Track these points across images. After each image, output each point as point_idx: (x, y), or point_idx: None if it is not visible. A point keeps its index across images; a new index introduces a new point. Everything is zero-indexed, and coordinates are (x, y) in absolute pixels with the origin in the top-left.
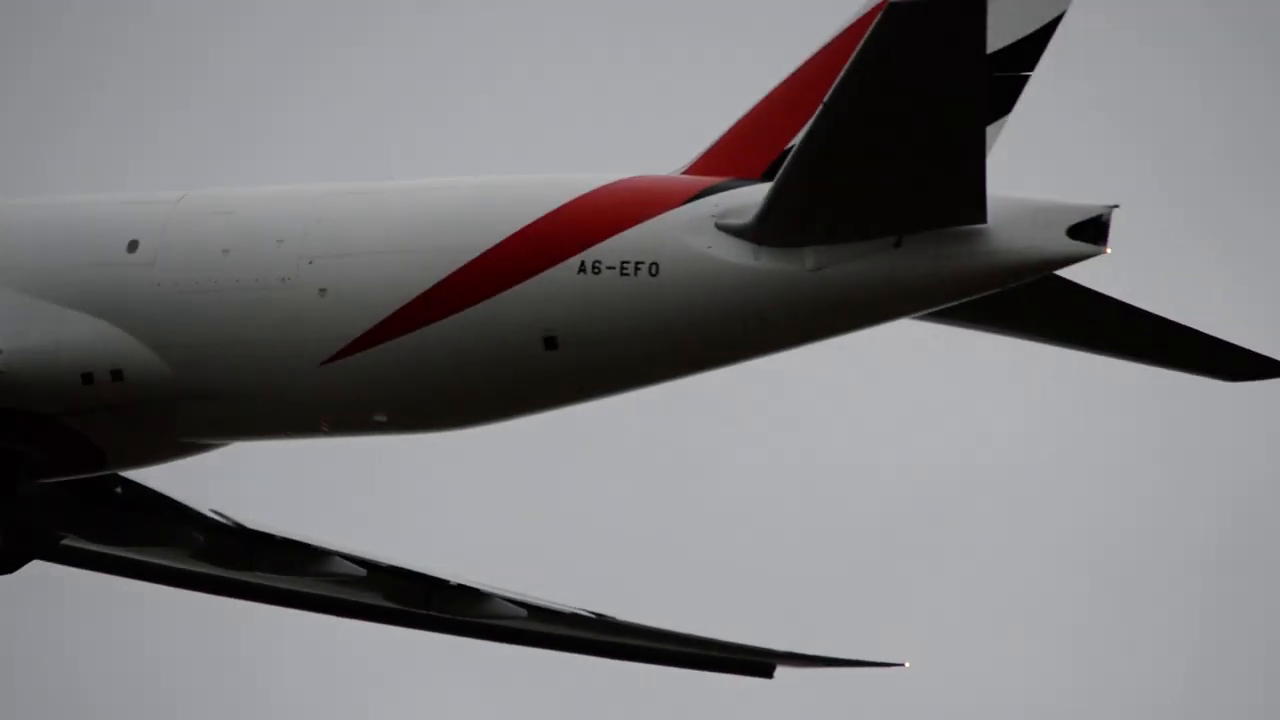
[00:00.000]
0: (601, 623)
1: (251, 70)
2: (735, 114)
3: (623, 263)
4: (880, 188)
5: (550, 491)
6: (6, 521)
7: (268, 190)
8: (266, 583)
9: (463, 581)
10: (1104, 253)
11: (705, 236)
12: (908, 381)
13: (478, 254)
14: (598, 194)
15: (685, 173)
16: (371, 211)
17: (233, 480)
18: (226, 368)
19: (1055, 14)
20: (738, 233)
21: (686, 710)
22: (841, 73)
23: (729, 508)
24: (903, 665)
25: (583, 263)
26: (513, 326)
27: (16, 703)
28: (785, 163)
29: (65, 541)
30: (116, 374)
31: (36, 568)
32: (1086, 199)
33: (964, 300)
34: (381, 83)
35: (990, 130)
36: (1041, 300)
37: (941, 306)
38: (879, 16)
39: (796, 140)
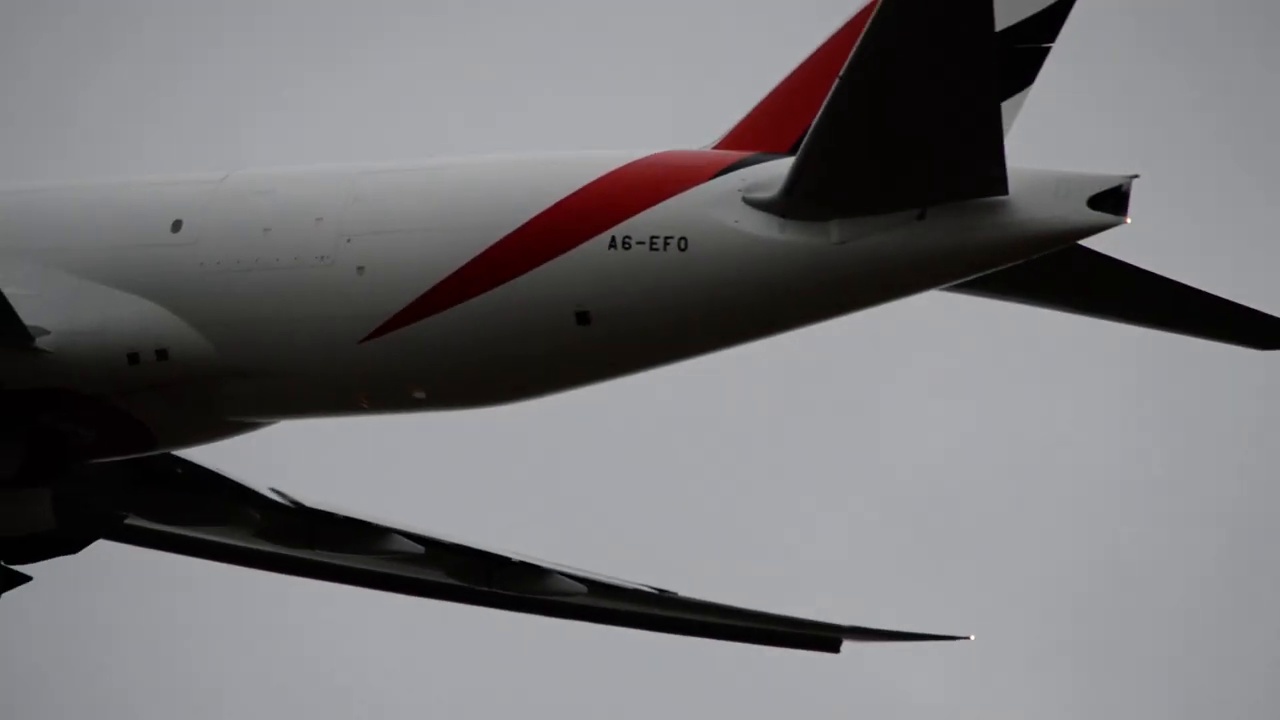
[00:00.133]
0: (664, 599)
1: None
2: (765, 88)
3: (652, 237)
4: (898, 160)
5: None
6: (62, 502)
7: (307, 169)
8: (327, 560)
9: (524, 558)
10: (1124, 222)
11: (733, 211)
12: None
13: (511, 230)
14: (627, 170)
15: (714, 148)
16: (407, 189)
17: (280, 458)
18: (268, 346)
19: None
20: (764, 207)
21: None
22: (855, 45)
23: (789, 483)
24: (968, 638)
25: (613, 238)
26: (545, 302)
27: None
28: (805, 136)
29: (128, 521)
30: (162, 353)
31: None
32: (1106, 169)
33: (988, 272)
34: (406, 60)
35: (1013, 102)
36: (1068, 270)
37: (966, 278)
38: None
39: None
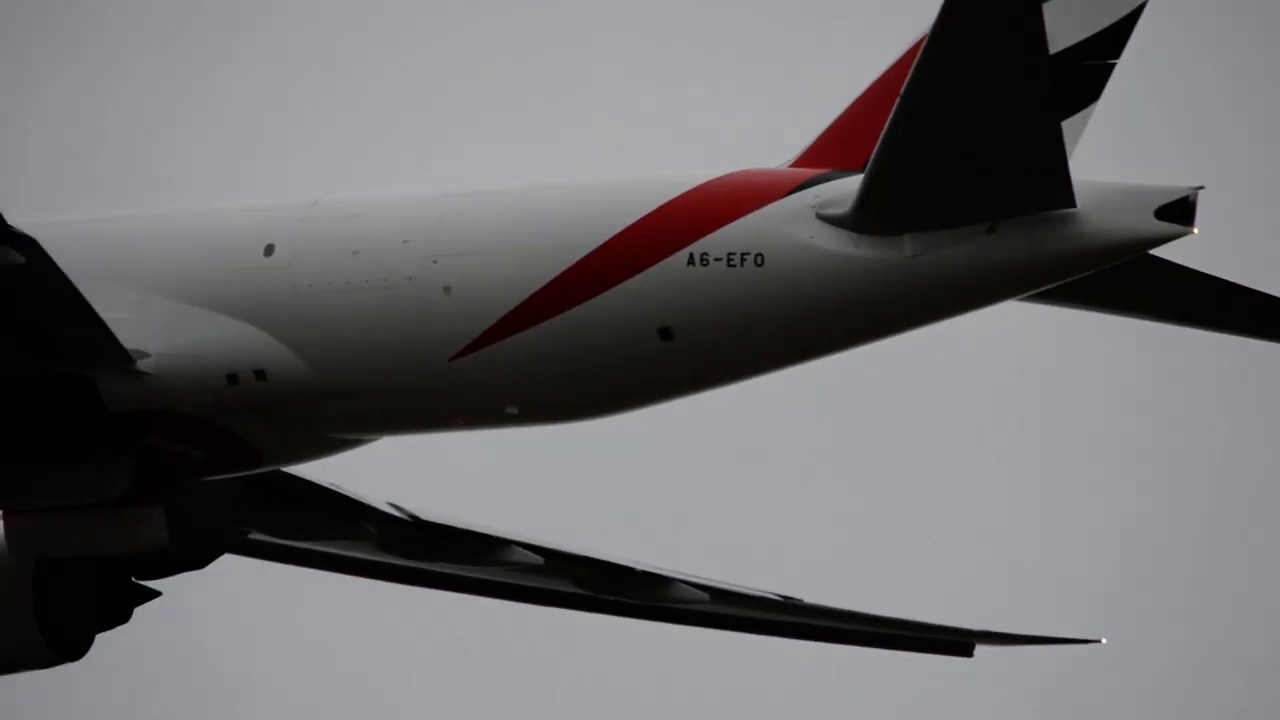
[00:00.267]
0: (789, 605)
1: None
2: (841, 104)
3: (729, 254)
4: (960, 175)
5: (728, 475)
6: (184, 519)
7: (395, 193)
8: (449, 571)
9: (646, 567)
10: (1191, 232)
11: (807, 227)
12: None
13: (592, 249)
14: (704, 188)
15: (792, 165)
16: (491, 211)
17: (383, 472)
18: (361, 365)
19: (1139, 2)
20: (838, 222)
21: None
22: (913, 65)
23: (907, 491)
24: (1099, 642)
25: (691, 255)
26: (628, 318)
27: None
28: (873, 152)
29: (251, 536)
30: (260, 374)
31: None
32: (1172, 181)
33: (1059, 283)
34: (490, 75)
35: (1079, 117)
36: (1138, 278)
37: (1037, 290)
38: (942, 4)
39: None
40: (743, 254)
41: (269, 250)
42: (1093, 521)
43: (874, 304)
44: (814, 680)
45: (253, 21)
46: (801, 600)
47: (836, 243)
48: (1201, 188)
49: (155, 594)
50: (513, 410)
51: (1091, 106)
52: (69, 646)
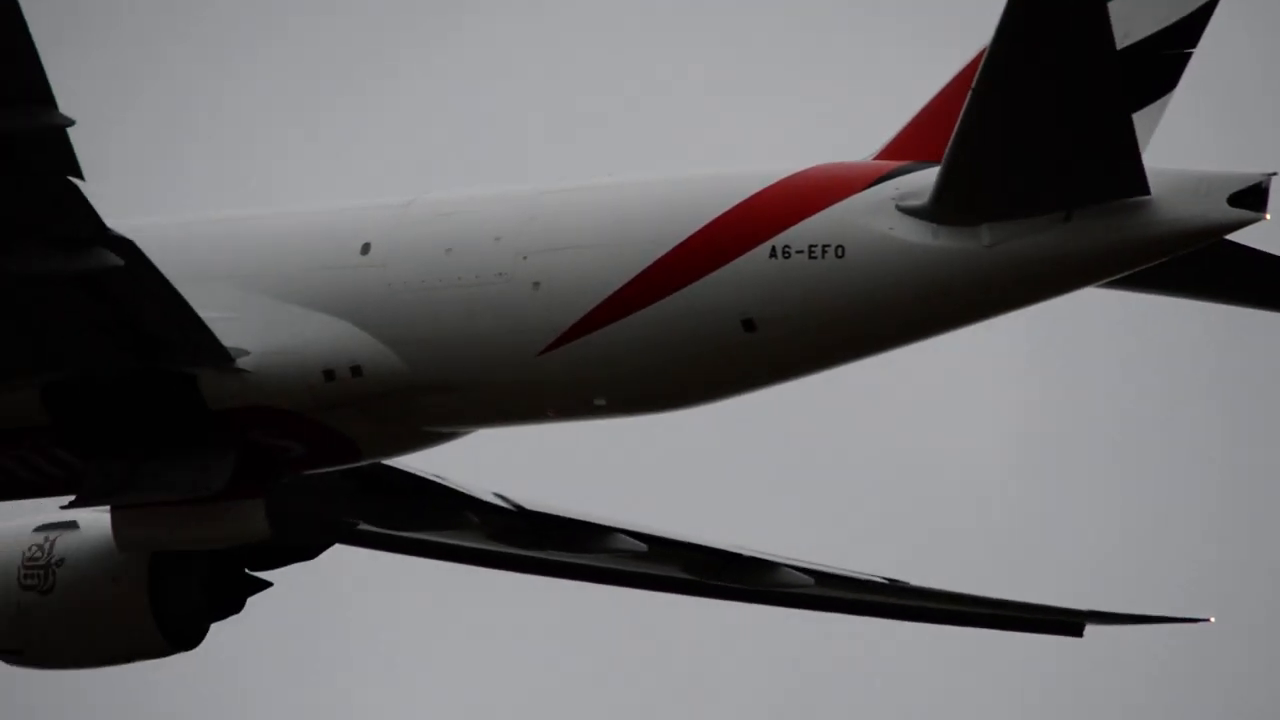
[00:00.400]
0: (895, 588)
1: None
2: (924, 97)
3: (810, 246)
4: (1032, 165)
5: (825, 458)
6: (277, 513)
7: (485, 191)
8: (556, 559)
9: (752, 553)
10: (1264, 218)
11: (887, 219)
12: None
13: (678, 243)
14: (786, 182)
15: (875, 158)
16: (579, 207)
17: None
18: (454, 360)
19: None
20: (917, 213)
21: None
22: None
23: (1009, 474)
24: (1208, 620)
25: (774, 248)
26: (712, 311)
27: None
28: (949, 144)
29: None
30: (356, 370)
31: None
32: (1245, 168)
33: (1135, 270)
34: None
35: (1156, 106)
36: (1214, 263)
37: (1114, 277)
38: None
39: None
40: (824, 246)
41: (365, 249)
42: (1197, 501)
43: (952, 293)
44: (920, 662)
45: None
46: (907, 583)
47: (915, 234)
48: (1275, 174)
49: (267, 584)
50: (601, 402)
51: (1168, 95)
52: (183, 636)
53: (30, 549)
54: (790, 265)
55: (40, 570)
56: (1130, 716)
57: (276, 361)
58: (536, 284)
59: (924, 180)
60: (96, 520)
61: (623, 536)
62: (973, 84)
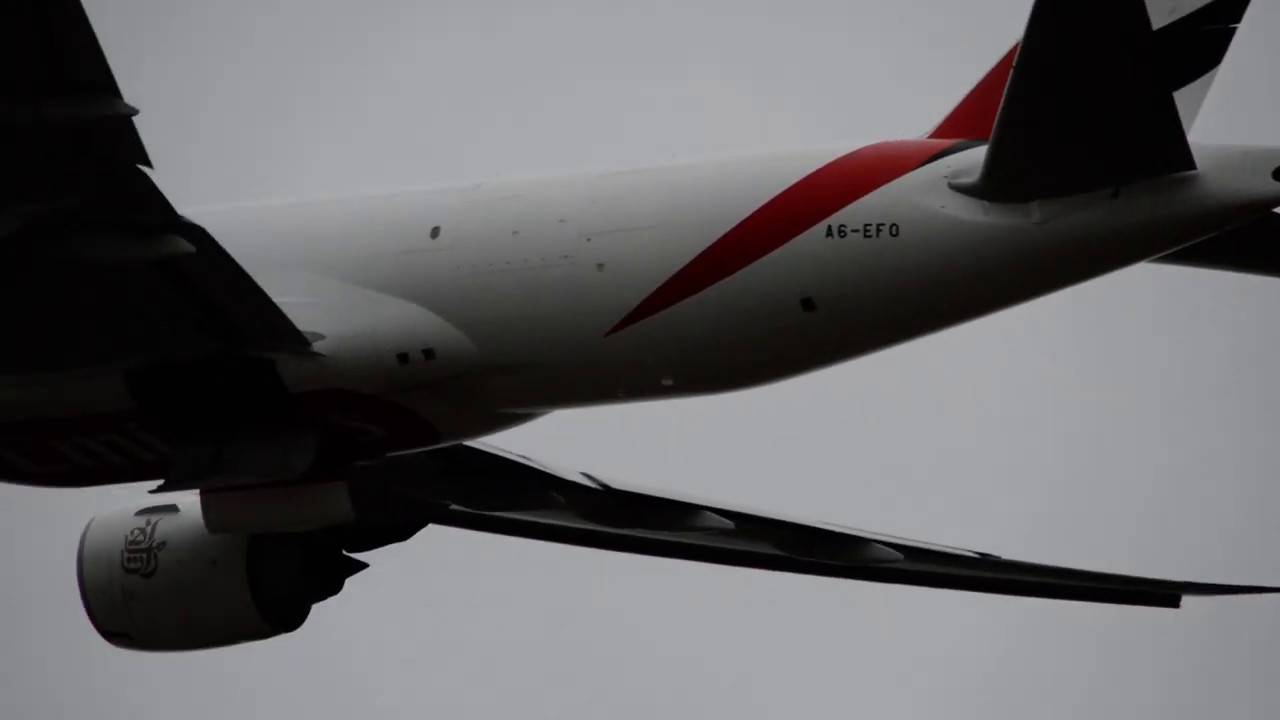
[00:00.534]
0: (987, 562)
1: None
2: (980, 72)
3: (865, 225)
4: (1079, 141)
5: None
6: (360, 495)
7: (551, 174)
8: (645, 536)
9: (843, 529)
10: None
11: (939, 196)
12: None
13: (737, 223)
14: (842, 162)
15: (930, 136)
16: (641, 188)
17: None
18: (523, 342)
19: None
20: (969, 191)
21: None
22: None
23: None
24: None
25: (829, 227)
26: (772, 290)
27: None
28: (995, 121)
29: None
30: (429, 353)
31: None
32: None
33: (1182, 246)
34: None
35: (1202, 82)
36: (1262, 237)
37: (1162, 252)
38: None
39: None
40: (878, 225)
41: (435, 233)
42: None
43: (1004, 270)
44: (1013, 636)
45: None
46: (999, 557)
47: (967, 211)
48: None
49: (363, 565)
50: (668, 382)
51: (1213, 71)
52: (284, 618)
53: (133, 532)
54: (846, 244)
55: (143, 554)
56: (1228, 688)
57: (351, 345)
58: (600, 265)
59: (976, 158)
60: (196, 503)
61: (710, 514)
62: (1015, 60)
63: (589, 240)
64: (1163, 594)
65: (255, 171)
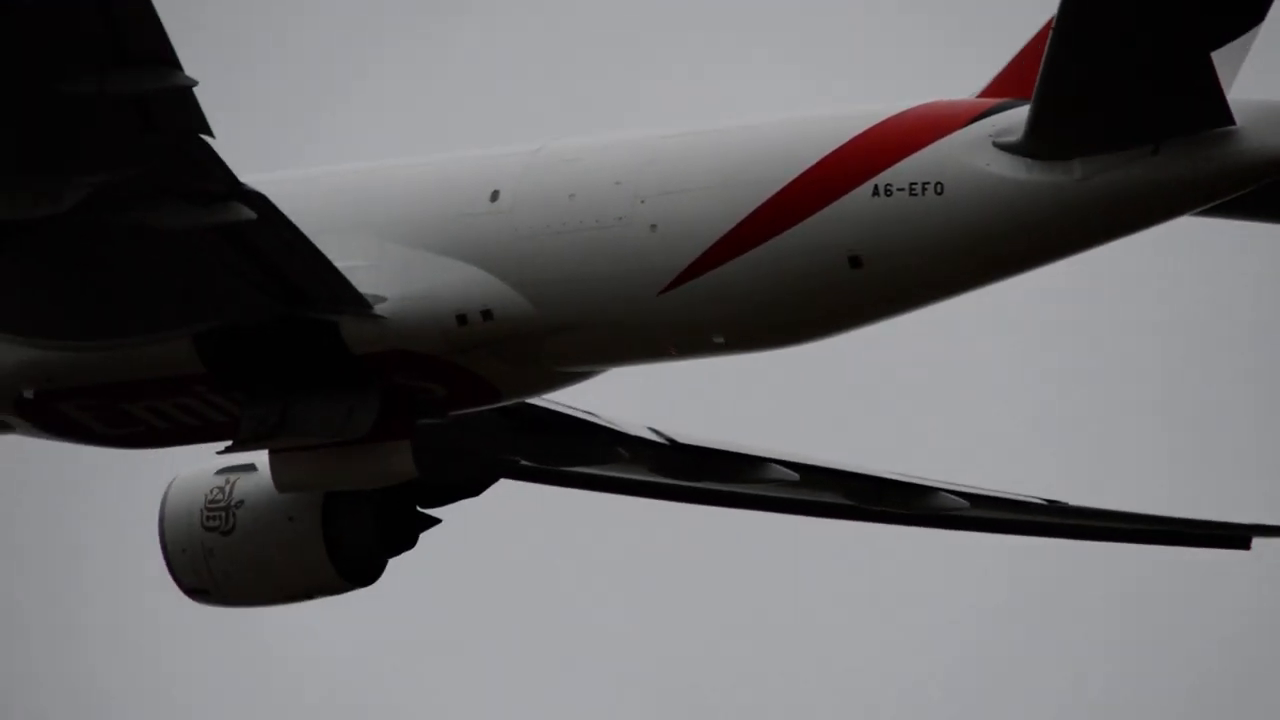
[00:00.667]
0: (1055, 508)
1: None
2: (1029, 32)
3: (910, 184)
4: (1118, 98)
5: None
6: (423, 454)
7: (606, 138)
8: (715, 489)
9: (909, 478)
10: None
11: (984, 155)
12: None
13: (786, 183)
14: (888, 122)
15: (979, 96)
16: (693, 150)
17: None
18: (579, 302)
19: None
20: (1013, 149)
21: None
22: None
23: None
24: None
25: (875, 186)
26: (821, 248)
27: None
28: (1037, 79)
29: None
30: (487, 314)
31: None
32: None
33: (1223, 200)
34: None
35: (1247, 37)
36: None
37: (1202, 207)
38: None
39: None
40: (923, 184)
41: (494, 196)
42: None
43: (1047, 226)
44: (1084, 580)
45: None
46: (1066, 503)
47: (1011, 169)
48: None
49: (436, 521)
50: (720, 340)
51: (1256, 28)
52: (359, 572)
53: (212, 491)
54: (891, 203)
55: (221, 512)
56: None
57: (412, 307)
58: (653, 226)
59: (1020, 116)
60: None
61: (776, 466)
62: (1055, 16)
63: (643, 202)
64: (1233, 536)
65: (311, 141)
